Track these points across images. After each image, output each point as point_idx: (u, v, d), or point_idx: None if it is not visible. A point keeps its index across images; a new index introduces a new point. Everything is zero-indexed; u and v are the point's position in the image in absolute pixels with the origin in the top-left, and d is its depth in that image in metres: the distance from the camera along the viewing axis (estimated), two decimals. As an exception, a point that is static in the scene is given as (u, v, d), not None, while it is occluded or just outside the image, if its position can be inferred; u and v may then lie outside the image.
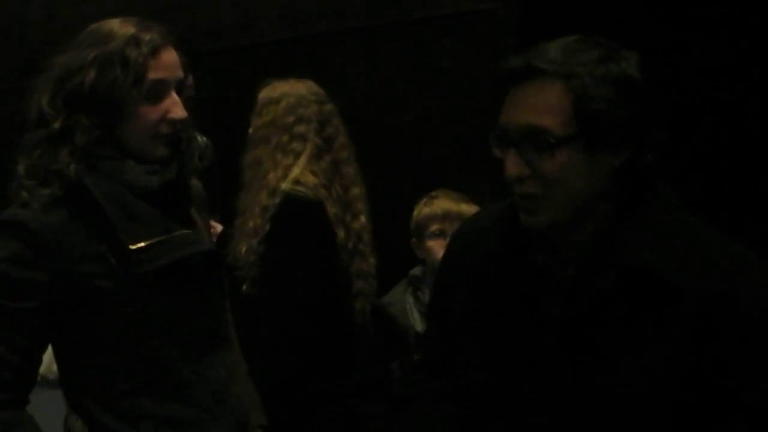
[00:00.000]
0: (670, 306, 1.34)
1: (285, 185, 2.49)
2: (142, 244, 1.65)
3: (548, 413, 1.40)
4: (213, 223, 2.99)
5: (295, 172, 2.51)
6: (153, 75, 1.65)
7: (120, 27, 1.67)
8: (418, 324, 2.77)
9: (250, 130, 2.64)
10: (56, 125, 1.64)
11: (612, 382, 1.36)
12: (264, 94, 2.65)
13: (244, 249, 2.53)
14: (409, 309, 2.80)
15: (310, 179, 2.51)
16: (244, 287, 2.52)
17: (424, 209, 2.83)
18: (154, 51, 1.65)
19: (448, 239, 2.75)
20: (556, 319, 1.40)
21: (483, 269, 1.50)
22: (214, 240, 2.85)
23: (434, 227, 2.79)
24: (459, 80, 3.45)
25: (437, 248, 2.77)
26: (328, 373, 2.50)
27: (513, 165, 1.38)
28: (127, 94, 1.63)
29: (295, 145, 2.54)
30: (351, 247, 2.55)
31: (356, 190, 2.60)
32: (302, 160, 2.53)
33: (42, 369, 1.76)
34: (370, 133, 3.37)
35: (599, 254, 1.39)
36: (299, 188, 2.48)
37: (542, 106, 1.36)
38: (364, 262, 2.58)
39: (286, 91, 2.62)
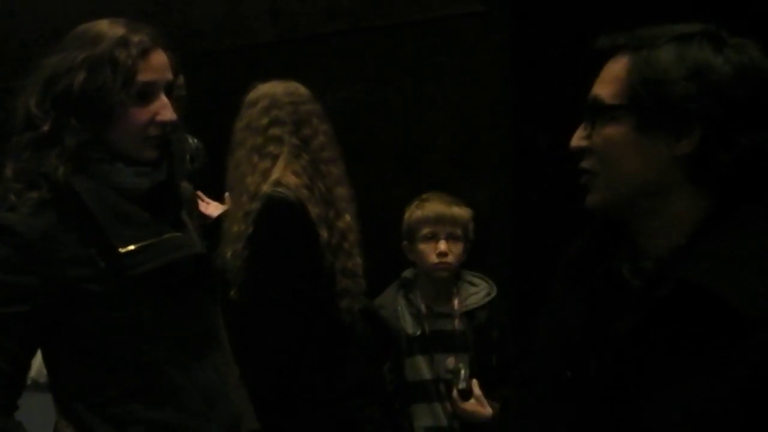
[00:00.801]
0: (736, 336, 1.19)
1: (266, 188, 2.48)
2: (132, 248, 1.64)
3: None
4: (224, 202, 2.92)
5: (275, 174, 2.49)
6: (142, 77, 1.64)
7: (109, 28, 1.66)
8: (410, 327, 2.77)
9: (233, 134, 2.63)
10: (45, 128, 1.62)
11: (655, 413, 1.23)
12: (247, 97, 2.64)
13: (229, 253, 2.51)
14: (401, 312, 2.79)
15: (292, 180, 2.49)
16: (232, 292, 2.51)
17: (415, 212, 2.83)
18: (144, 53, 1.64)
19: (439, 242, 2.77)
20: (616, 333, 1.30)
21: (569, 277, 1.44)
22: (213, 218, 2.84)
23: (426, 230, 2.78)
24: (450, 82, 3.44)
25: (429, 251, 2.77)
26: (318, 375, 2.49)
27: (575, 137, 1.35)
28: (116, 96, 1.62)
29: (271, 148, 2.52)
30: (335, 245, 2.52)
31: (341, 190, 2.58)
32: (280, 163, 2.51)
33: (33, 372, 1.75)
34: (361, 135, 3.37)
35: (670, 267, 1.26)
36: (280, 189, 2.46)
37: (606, 76, 1.33)
38: (349, 260, 2.56)
39: (263, 93, 2.60)
